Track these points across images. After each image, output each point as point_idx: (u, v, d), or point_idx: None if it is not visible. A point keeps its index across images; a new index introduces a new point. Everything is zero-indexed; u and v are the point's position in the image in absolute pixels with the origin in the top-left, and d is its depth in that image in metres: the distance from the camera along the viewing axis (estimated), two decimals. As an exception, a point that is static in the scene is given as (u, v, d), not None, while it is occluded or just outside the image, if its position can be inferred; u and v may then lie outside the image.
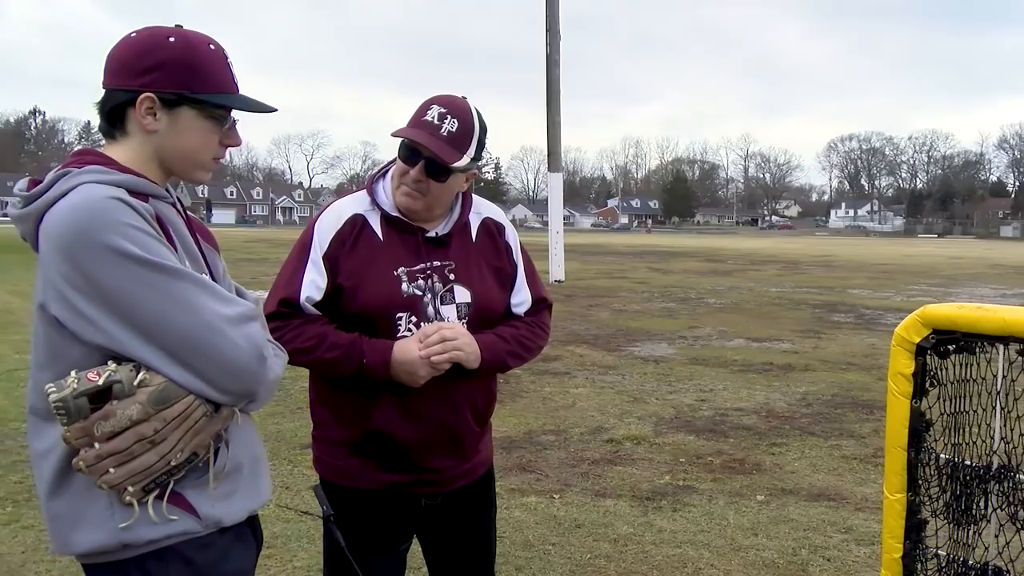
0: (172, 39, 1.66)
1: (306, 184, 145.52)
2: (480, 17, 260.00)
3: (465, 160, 2.22)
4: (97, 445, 1.52)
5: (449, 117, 2.20)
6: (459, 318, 2.29)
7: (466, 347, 2.21)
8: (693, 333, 11.95)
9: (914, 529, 2.38)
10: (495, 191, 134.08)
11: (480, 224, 2.40)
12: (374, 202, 2.31)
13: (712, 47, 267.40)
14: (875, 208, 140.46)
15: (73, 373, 1.54)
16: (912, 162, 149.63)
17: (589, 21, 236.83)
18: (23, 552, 4.12)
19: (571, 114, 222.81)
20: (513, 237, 2.47)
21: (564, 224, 20.22)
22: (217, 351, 1.56)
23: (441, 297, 2.27)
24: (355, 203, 2.33)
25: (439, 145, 2.18)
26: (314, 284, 2.23)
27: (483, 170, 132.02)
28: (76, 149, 1.73)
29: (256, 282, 18.87)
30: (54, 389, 1.52)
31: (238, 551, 1.73)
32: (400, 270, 2.25)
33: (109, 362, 1.55)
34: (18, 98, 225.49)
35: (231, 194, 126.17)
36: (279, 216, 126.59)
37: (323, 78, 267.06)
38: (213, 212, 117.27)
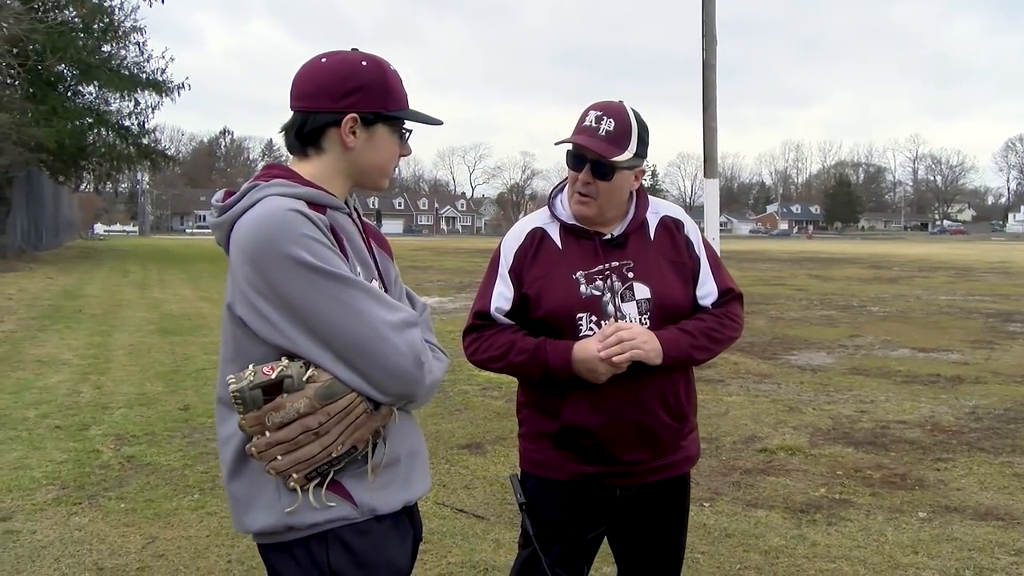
0: (365, 63, 1.81)
1: (468, 194, 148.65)
2: (637, 24, 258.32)
3: (627, 155, 2.33)
4: (268, 433, 1.65)
5: (606, 118, 2.34)
6: (640, 314, 2.36)
7: (644, 344, 2.27)
8: (854, 342, 11.45)
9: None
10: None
11: (658, 222, 2.48)
12: (553, 215, 2.47)
13: (881, 47, 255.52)
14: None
15: (251, 367, 1.68)
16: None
17: (749, 25, 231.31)
18: (207, 536, 4.40)
19: (729, 119, 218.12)
20: (694, 232, 2.52)
21: (721, 230, 19.72)
22: (380, 355, 1.68)
23: (621, 295, 2.36)
24: (536, 219, 2.52)
25: (598, 143, 2.31)
26: (502, 296, 2.42)
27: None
28: (265, 164, 1.88)
29: (420, 288, 19.48)
30: (233, 380, 1.67)
31: (394, 540, 1.82)
32: (578, 274, 2.37)
33: (283, 359, 1.68)
34: (211, 119, 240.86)
35: (399, 205, 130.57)
36: (443, 225, 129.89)
37: (484, 91, 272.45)
38: (383, 222, 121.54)
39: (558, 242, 2.43)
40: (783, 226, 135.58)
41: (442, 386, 8.18)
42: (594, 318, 2.34)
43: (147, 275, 24.39)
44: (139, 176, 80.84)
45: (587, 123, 2.34)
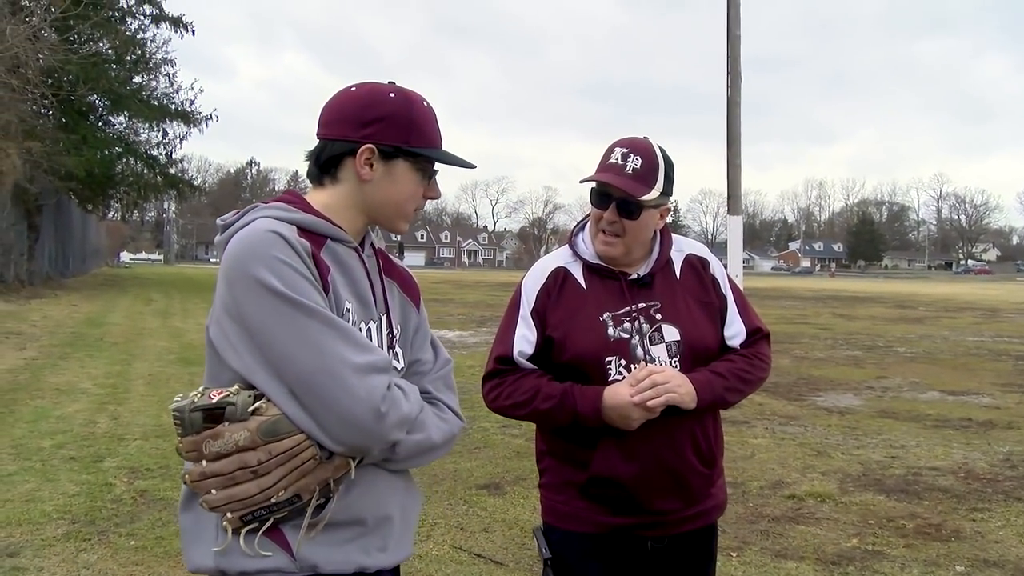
0: (392, 95, 1.72)
1: (490, 228, 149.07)
2: (662, 59, 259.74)
3: (654, 193, 2.24)
4: (204, 463, 1.52)
5: (632, 155, 2.24)
6: (670, 357, 2.25)
7: (679, 388, 2.15)
8: (881, 384, 11.20)
9: None
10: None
11: (683, 261, 2.38)
12: (575, 254, 2.36)
13: (907, 84, 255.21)
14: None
15: (201, 388, 1.58)
16: None
17: (773, 62, 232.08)
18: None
19: (752, 156, 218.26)
20: (719, 270, 2.42)
21: (743, 268, 19.57)
22: (332, 396, 1.52)
23: (649, 338, 2.25)
24: (557, 258, 2.40)
25: (625, 182, 2.21)
26: (525, 339, 2.30)
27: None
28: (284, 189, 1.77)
29: (440, 322, 19.40)
30: (178, 399, 1.55)
31: None
32: (605, 315, 2.26)
33: (235, 386, 1.56)
34: (239, 150, 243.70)
35: (421, 237, 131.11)
36: (465, 258, 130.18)
37: (509, 125, 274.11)
38: (405, 254, 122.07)
39: (582, 282, 2.32)
40: (805, 263, 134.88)
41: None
42: (623, 362, 2.23)
43: (170, 303, 24.46)
44: (165, 205, 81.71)
45: (613, 160, 2.25)
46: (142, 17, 31.79)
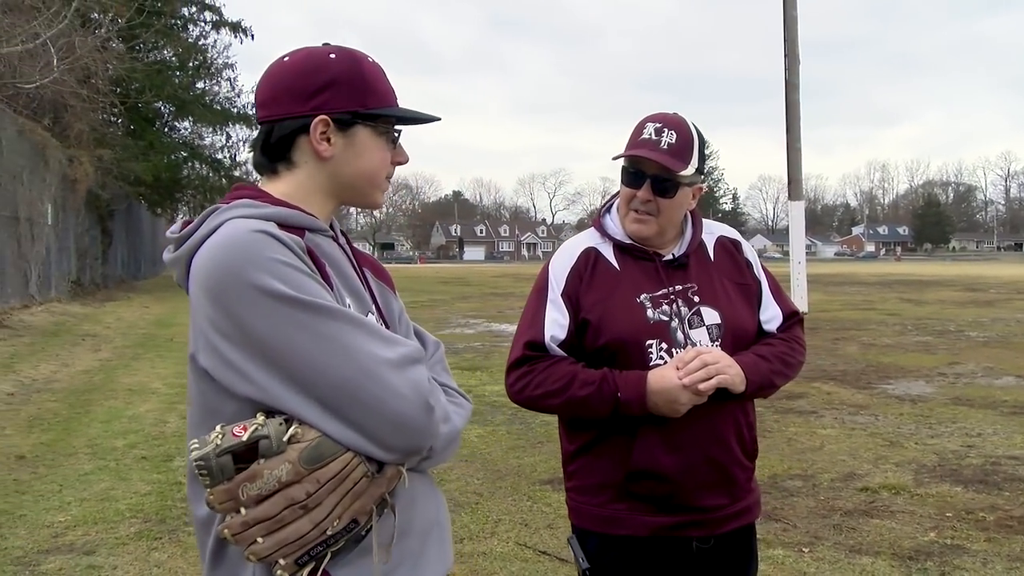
0: (333, 55, 1.50)
1: (549, 220, 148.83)
2: (720, 46, 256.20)
3: (690, 170, 2.11)
4: (244, 510, 1.30)
5: (666, 130, 2.11)
6: (711, 341, 2.12)
7: (729, 370, 2.02)
8: (954, 370, 10.81)
9: None
10: (733, 221, 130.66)
11: (716, 243, 2.26)
12: (604, 234, 2.22)
13: (971, 62, 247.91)
14: None
15: (218, 428, 1.34)
16: None
17: (835, 44, 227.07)
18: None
19: (811, 141, 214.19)
20: (751, 252, 2.31)
21: (806, 254, 19.15)
22: (377, 400, 1.33)
23: (688, 321, 2.12)
24: (586, 238, 2.26)
25: (661, 156, 2.08)
26: (556, 323, 2.14)
27: (720, 201, 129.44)
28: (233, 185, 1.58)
29: (501, 315, 19.37)
30: (196, 445, 1.33)
31: None
32: (643, 297, 2.12)
33: (259, 415, 1.34)
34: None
35: (480, 232, 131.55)
36: (524, 252, 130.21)
37: (567, 117, 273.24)
38: (465, 249, 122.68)
39: (614, 263, 2.18)
40: (870, 248, 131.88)
41: (523, 417, 8.01)
42: (664, 345, 2.09)
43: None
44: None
45: (646, 135, 2.12)
46: (203, 24, 32.44)
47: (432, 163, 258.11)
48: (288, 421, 1.33)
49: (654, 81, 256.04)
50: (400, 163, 1.60)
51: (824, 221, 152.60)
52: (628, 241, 2.19)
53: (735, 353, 2.10)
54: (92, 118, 23.77)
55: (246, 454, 1.30)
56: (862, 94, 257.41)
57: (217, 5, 32.26)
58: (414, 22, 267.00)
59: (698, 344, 2.10)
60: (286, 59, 1.52)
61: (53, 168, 20.65)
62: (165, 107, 31.64)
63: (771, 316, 2.25)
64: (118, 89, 25.67)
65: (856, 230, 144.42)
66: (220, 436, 1.31)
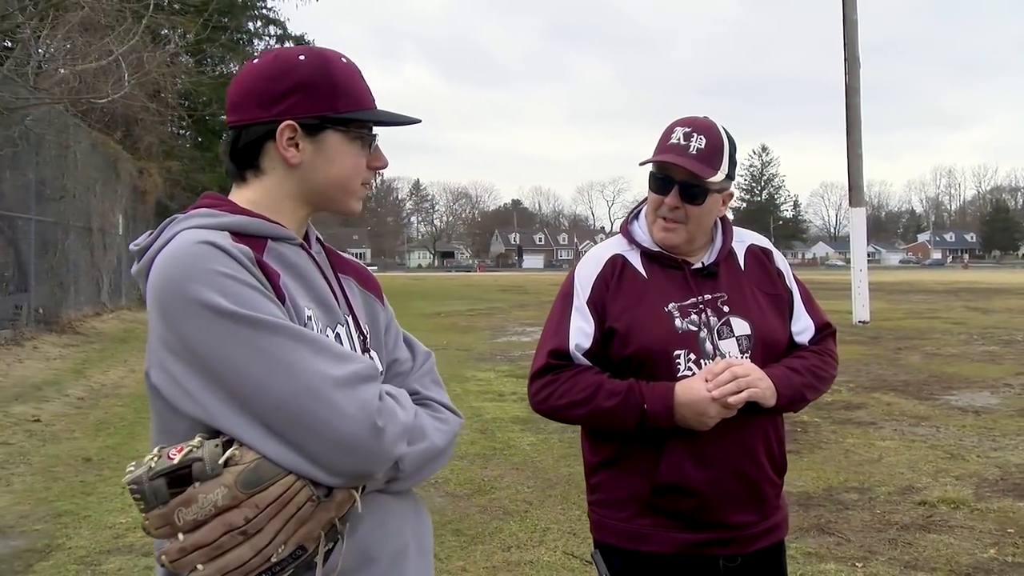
0: (303, 57, 1.44)
1: (607, 228, 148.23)
2: (781, 50, 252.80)
3: (720, 176, 2.05)
4: (181, 536, 1.23)
5: (695, 135, 2.05)
6: (741, 352, 2.05)
7: (759, 383, 1.96)
8: (1020, 380, 10.44)
9: None
10: (794, 229, 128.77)
11: (746, 251, 2.20)
12: (632, 241, 2.17)
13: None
14: None
15: (156, 450, 1.28)
16: None
17: (899, 46, 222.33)
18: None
19: (875, 146, 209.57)
20: (783, 262, 2.24)
21: (868, 261, 18.76)
22: (320, 421, 1.25)
23: (718, 331, 2.05)
24: (612, 245, 2.21)
25: (689, 162, 2.02)
26: (582, 331, 2.10)
27: (781, 208, 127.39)
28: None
29: (557, 323, 19.27)
30: (131, 468, 1.27)
31: None
32: (671, 306, 2.06)
33: (197, 437, 1.27)
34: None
35: (539, 240, 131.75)
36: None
37: (627, 124, 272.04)
38: (524, 257, 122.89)
39: (642, 270, 2.12)
40: (936, 255, 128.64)
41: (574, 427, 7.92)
42: (692, 356, 2.03)
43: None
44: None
45: (674, 140, 2.07)
46: (268, 38, 33.12)
47: (491, 172, 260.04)
48: (228, 443, 1.27)
49: (716, 86, 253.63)
50: (378, 168, 1.54)
51: (889, 228, 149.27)
52: (656, 248, 2.14)
53: (765, 365, 2.04)
54: (161, 131, 24.47)
55: (184, 477, 1.24)
56: (928, 97, 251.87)
57: (281, 19, 33.00)
58: (475, 32, 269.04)
59: (727, 355, 2.05)
60: (255, 61, 1.47)
61: (124, 180, 21.30)
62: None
63: (803, 328, 2.18)
64: (186, 103, 26.33)
65: (922, 237, 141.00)
66: (155, 459, 1.26)
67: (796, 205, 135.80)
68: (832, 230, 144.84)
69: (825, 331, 2.21)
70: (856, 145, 18.32)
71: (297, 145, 1.43)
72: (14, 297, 13.78)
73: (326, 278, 1.49)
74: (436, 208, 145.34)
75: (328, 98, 1.42)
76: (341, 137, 1.45)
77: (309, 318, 1.39)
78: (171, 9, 22.30)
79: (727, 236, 2.18)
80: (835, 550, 4.63)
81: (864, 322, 17.53)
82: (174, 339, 1.28)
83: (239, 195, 1.47)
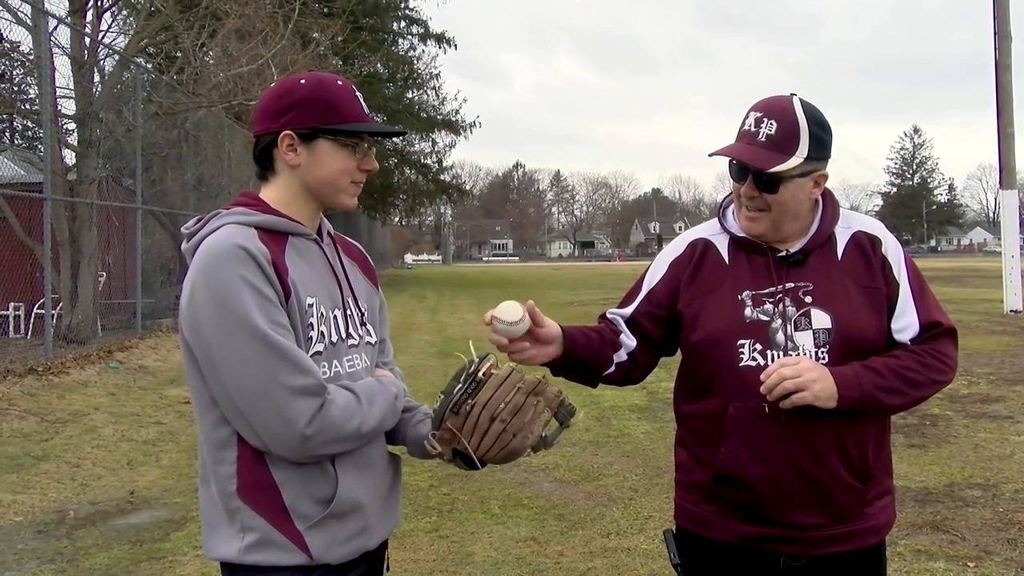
0: (303, 81, 1.75)
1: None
2: (948, 28, 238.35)
3: (794, 161, 1.89)
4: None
5: (766, 120, 1.92)
6: (817, 347, 1.92)
7: (813, 384, 1.81)
8: None
9: None
10: (949, 214, 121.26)
11: (850, 238, 2.02)
12: (723, 226, 2.08)
13: None
14: None
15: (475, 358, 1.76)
16: None
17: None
18: (434, 560, 4.38)
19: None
20: (895, 250, 2.02)
21: (1021, 247, 17.42)
22: (262, 417, 1.60)
23: (795, 323, 1.92)
24: (702, 229, 2.14)
25: (754, 152, 1.90)
26: (638, 308, 2.12)
27: (935, 192, 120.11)
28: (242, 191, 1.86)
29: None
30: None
31: None
32: (744, 294, 1.97)
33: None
34: (511, 154, 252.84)
35: (679, 228, 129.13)
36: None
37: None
38: (663, 246, 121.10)
39: (725, 256, 2.03)
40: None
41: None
42: (759, 346, 1.92)
43: (440, 300, 25.82)
44: (441, 209, 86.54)
45: (746, 127, 1.94)
46: (411, 37, 33.89)
47: (631, 162, 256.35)
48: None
49: (875, 68, 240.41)
50: (368, 170, 1.82)
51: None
52: (743, 235, 2.03)
53: (845, 362, 1.90)
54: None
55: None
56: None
57: (423, 19, 33.69)
58: (627, 22, 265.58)
59: (800, 348, 1.92)
60: (272, 86, 1.80)
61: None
62: (377, 117, 33.30)
63: (904, 325, 1.97)
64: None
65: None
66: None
67: (952, 189, 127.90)
68: (991, 215, 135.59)
69: (934, 329, 1.98)
70: (1008, 125, 17.05)
71: (296, 150, 1.74)
72: (176, 288, 14.73)
73: (332, 267, 1.82)
74: (576, 198, 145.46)
75: (320, 112, 1.72)
76: (332, 144, 1.75)
77: (310, 305, 1.71)
78: (319, 12, 23.10)
79: (826, 222, 2.02)
80: (947, 548, 4.35)
81: (1016, 311, 16.29)
82: (194, 313, 1.62)
83: (265, 192, 1.79)
